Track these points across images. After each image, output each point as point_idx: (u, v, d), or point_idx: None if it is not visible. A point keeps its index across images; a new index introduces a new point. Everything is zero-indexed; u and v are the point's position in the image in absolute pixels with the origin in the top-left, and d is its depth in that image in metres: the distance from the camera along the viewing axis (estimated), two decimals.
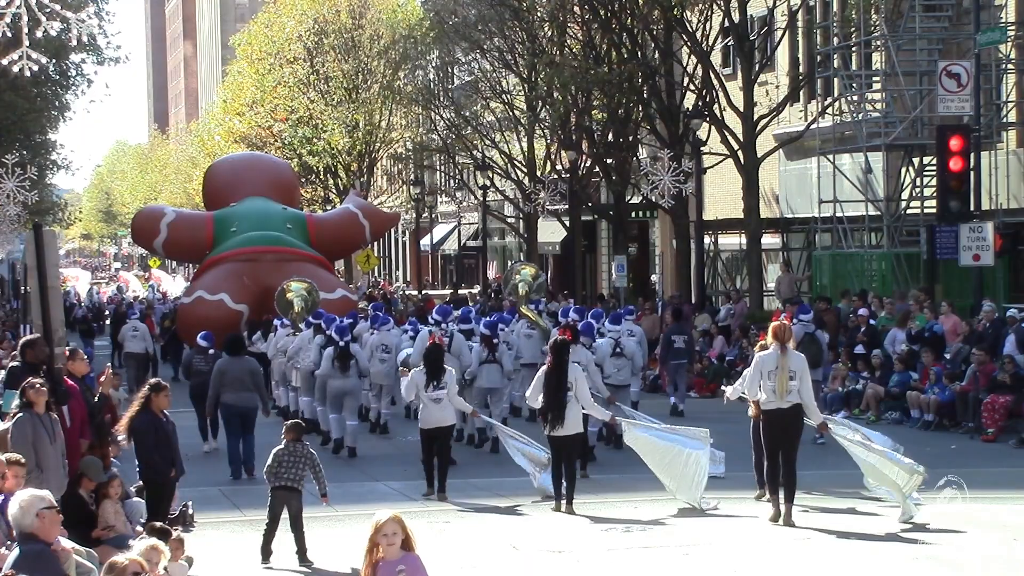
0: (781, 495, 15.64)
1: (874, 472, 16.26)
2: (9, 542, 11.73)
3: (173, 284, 77.32)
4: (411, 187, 59.13)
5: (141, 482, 15.16)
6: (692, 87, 38.62)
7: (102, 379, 16.86)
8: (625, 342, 22.35)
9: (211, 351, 23.43)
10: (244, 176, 40.96)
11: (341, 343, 22.37)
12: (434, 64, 54.23)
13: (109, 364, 17.91)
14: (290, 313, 29.28)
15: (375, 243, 60.26)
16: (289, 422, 14.91)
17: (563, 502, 16.74)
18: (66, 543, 10.46)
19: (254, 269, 36.14)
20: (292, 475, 14.23)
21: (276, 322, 29.09)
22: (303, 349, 24.67)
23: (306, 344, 24.44)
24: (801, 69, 38.58)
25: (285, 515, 14.21)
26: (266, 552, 14.24)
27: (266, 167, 43.39)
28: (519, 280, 29.87)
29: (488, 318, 25.17)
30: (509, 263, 53.85)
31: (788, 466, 15.61)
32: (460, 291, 50.67)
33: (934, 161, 29.68)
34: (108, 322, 55.71)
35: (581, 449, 18.13)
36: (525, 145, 48.31)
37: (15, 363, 16.21)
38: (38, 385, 13.45)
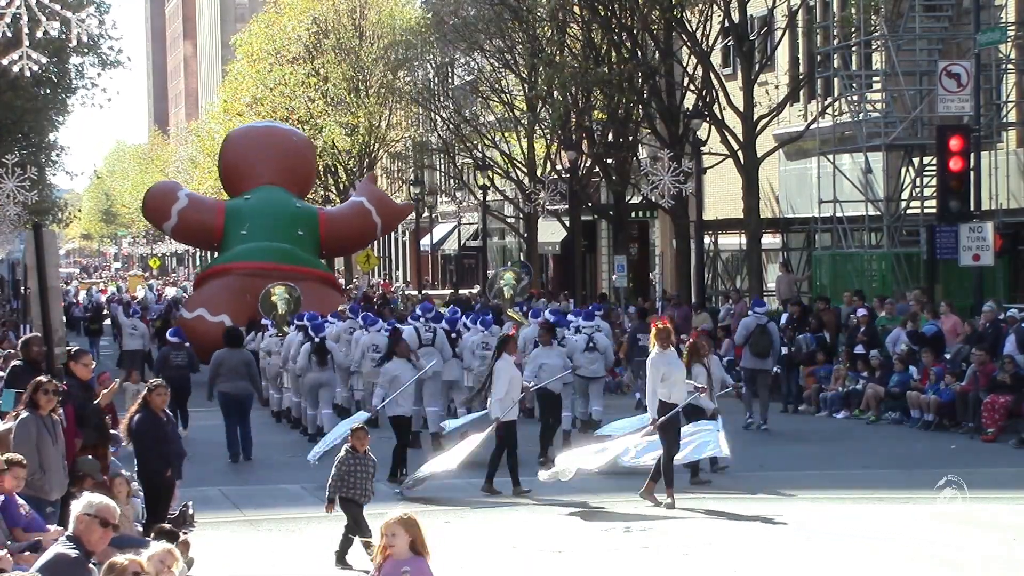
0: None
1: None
2: (9, 542, 11.73)
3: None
4: (411, 187, 59.13)
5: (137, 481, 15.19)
6: (692, 87, 38.60)
7: (104, 380, 16.86)
8: (597, 337, 23.50)
9: (186, 344, 24.99)
10: (260, 156, 40.11)
11: (317, 338, 23.82)
12: (433, 64, 54.23)
13: (117, 381, 17.93)
14: (273, 314, 30.48)
15: (374, 242, 60.24)
16: (354, 428, 14.69)
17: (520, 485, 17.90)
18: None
19: (259, 285, 35.30)
20: (361, 488, 14.13)
21: (264, 322, 30.25)
22: (291, 351, 25.49)
23: (296, 347, 25.21)
24: (801, 69, 38.56)
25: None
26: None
27: (284, 145, 41.84)
28: (503, 284, 30.83)
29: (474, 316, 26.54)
30: (509, 263, 53.79)
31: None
32: (460, 291, 50.67)
33: (934, 161, 29.67)
34: (109, 322, 55.90)
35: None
36: (525, 145, 48.31)
37: (17, 362, 16.24)
38: (50, 390, 13.37)
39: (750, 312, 25.05)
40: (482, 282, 53.44)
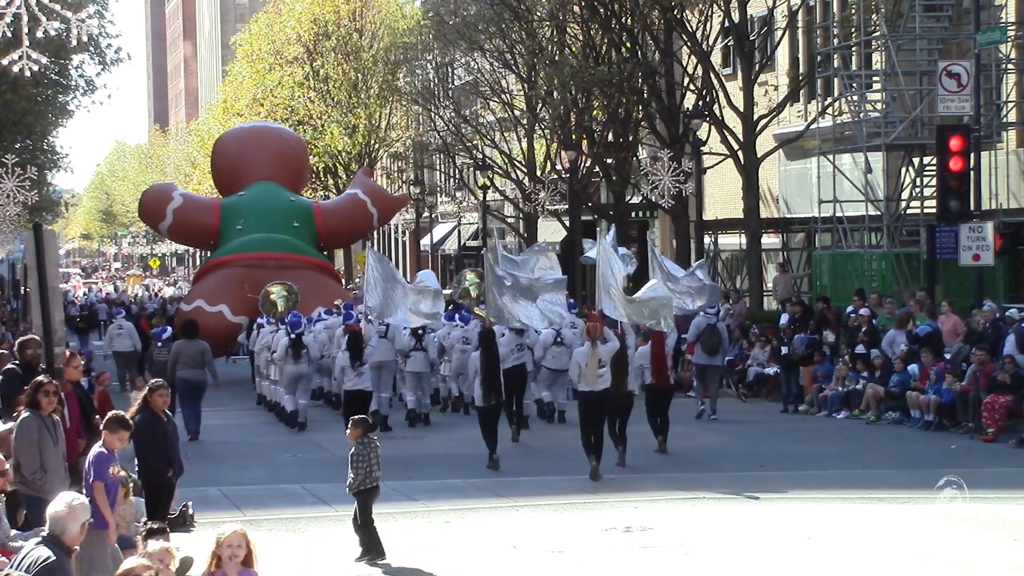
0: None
1: None
2: (9, 542, 11.72)
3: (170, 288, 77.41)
4: (411, 187, 59.10)
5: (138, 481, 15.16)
6: (692, 87, 38.61)
7: (104, 380, 16.84)
8: (565, 332, 25.07)
9: (160, 344, 26.85)
10: (252, 154, 40.09)
11: (293, 335, 26.10)
12: (433, 64, 54.19)
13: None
14: (274, 312, 31.28)
15: (374, 242, 60.21)
16: (353, 418, 14.86)
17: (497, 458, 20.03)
18: None
19: (257, 275, 35.25)
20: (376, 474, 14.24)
21: (260, 320, 31.42)
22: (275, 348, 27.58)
23: (277, 343, 27.18)
24: (801, 69, 38.57)
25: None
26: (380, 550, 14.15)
27: (275, 143, 41.84)
28: (468, 284, 31.99)
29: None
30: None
31: (599, 433, 19.09)
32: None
33: (934, 161, 29.68)
34: (103, 321, 56.04)
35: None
36: (525, 145, 48.29)
37: (13, 364, 16.09)
38: (51, 390, 13.34)
39: (702, 312, 26.51)
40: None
